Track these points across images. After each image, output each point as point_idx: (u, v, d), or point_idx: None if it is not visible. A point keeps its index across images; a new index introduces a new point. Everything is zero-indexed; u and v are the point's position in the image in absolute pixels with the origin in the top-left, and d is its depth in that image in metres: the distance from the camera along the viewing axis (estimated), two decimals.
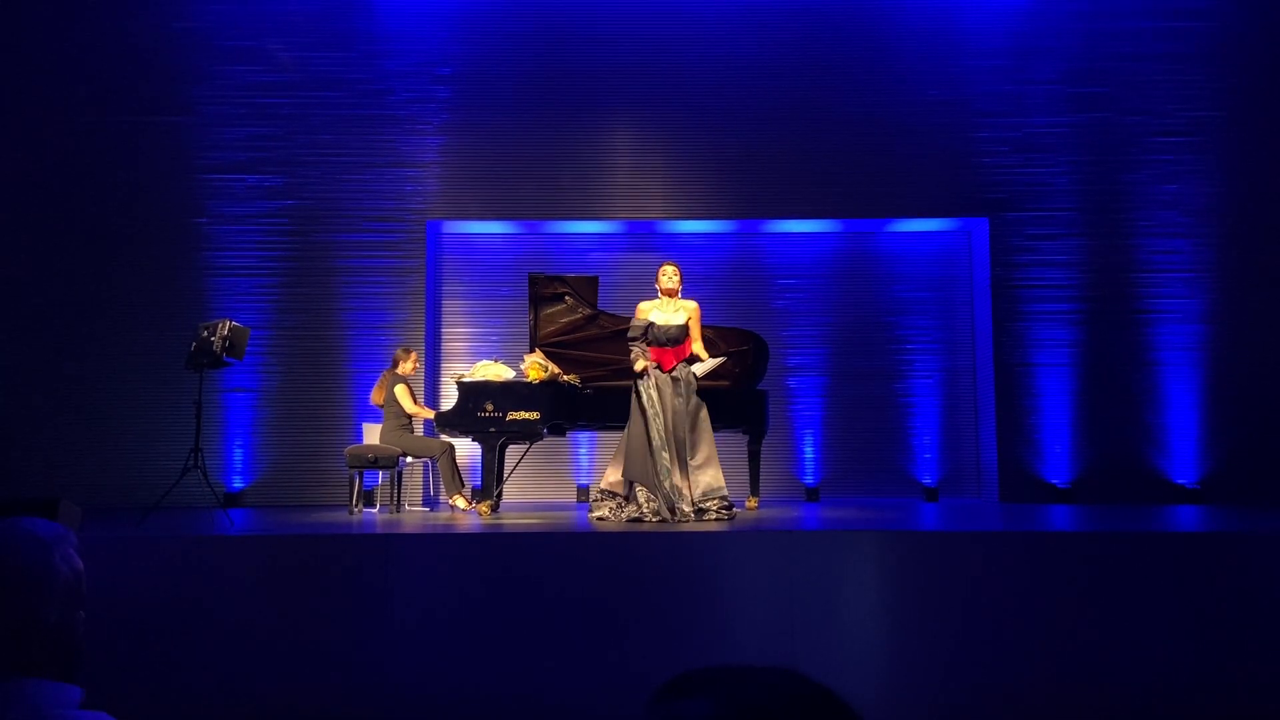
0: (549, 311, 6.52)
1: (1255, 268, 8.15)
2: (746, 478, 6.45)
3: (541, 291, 6.51)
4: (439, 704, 3.89)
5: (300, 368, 8.09)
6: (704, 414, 5.48)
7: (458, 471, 6.57)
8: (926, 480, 8.39)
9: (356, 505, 6.55)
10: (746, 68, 8.43)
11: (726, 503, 5.36)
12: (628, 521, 5.28)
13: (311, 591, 4.02)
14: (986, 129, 8.36)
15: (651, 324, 5.54)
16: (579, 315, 6.53)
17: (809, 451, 8.44)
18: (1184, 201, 8.26)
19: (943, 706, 3.92)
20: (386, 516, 6.26)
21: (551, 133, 8.34)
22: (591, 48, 8.43)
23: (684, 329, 5.55)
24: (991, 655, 3.96)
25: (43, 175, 8.15)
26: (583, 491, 8.13)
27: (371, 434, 6.99)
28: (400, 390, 6.61)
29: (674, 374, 5.48)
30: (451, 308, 8.64)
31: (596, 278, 6.63)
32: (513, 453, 6.59)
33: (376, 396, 6.81)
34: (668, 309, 5.61)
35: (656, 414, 5.37)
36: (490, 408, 6.04)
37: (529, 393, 6.03)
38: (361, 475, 6.62)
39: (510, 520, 5.60)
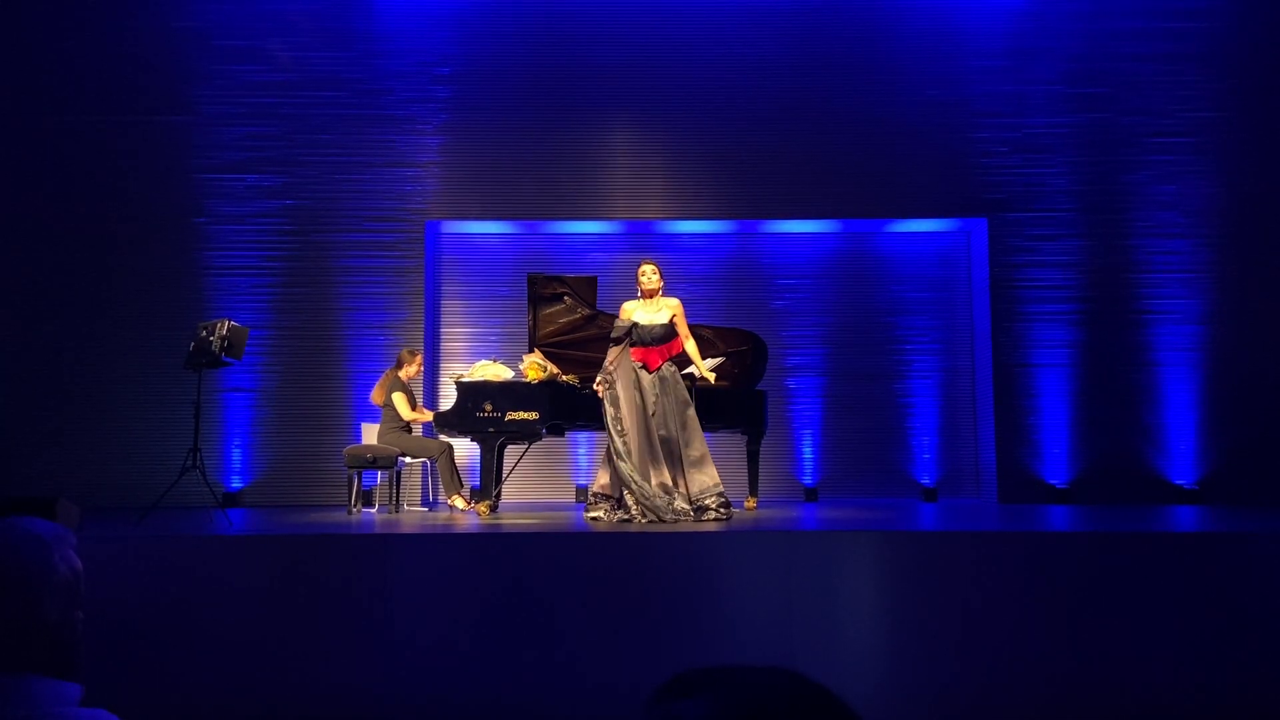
0: (548, 312, 6.52)
1: (1254, 268, 8.16)
2: (745, 478, 6.45)
3: (540, 291, 6.51)
4: (438, 704, 3.89)
5: (299, 368, 8.09)
6: (692, 411, 5.48)
7: (456, 472, 6.57)
8: (925, 480, 8.39)
9: (355, 505, 6.55)
10: (745, 68, 8.43)
11: (724, 499, 5.37)
12: (620, 523, 5.29)
13: (310, 591, 4.02)
14: (986, 129, 8.36)
15: (636, 324, 5.54)
16: (578, 315, 6.53)
17: (808, 452, 8.44)
18: (1183, 202, 8.27)
19: (941, 706, 3.93)
20: (385, 517, 6.26)
21: (551, 133, 8.34)
22: (591, 48, 8.43)
23: (668, 327, 5.55)
24: (990, 655, 3.96)
25: (42, 174, 8.15)
26: (581, 491, 8.13)
27: (370, 434, 6.99)
28: (398, 398, 6.60)
29: (660, 373, 5.48)
30: (450, 308, 8.64)
31: (595, 278, 6.64)
32: (511, 453, 6.60)
33: (377, 396, 6.81)
34: (650, 308, 5.60)
35: (618, 418, 5.41)
36: (489, 408, 6.04)
37: (528, 393, 6.03)
38: (360, 475, 6.62)
39: (509, 520, 5.60)
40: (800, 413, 8.49)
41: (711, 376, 5.70)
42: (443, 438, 6.56)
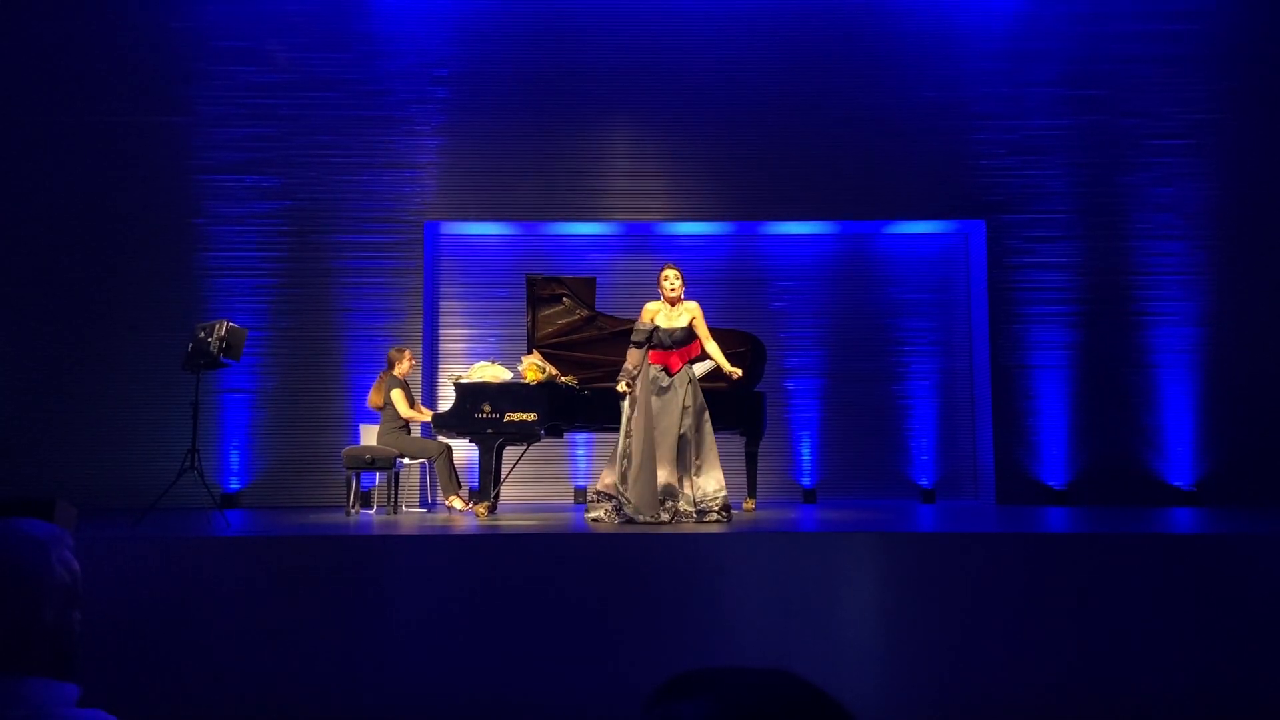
0: (547, 313, 6.52)
1: (1252, 270, 8.17)
2: (743, 479, 6.45)
3: (539, 293, 6.51)
4: (436, 705, 3.88)
5: (298, 369, 8.09)
6: (706, 415, 5.52)
7: (455, 473, 6.57)
8: (923, 482, 8.40)
9: (354, 506, 6.54)
10: (744, 70, 8.43)
11: (727, 505, 5.38)
12: (621, 523, 5.29)
13: (308, 593, 4.02)
14: (984, 131, 8.37)
15: (656, 328, 5.56)
16: (577, 317, 6.53)
17: (806, 453, 8.44)
18: (1181, 204, 8.27)
19: (938, 708, 3.93)
20: (383, 518, 6.26)
21: (549, 134, 8.34)
22: (590, 49, 8.44)
23: (688, 330, 5.57)
24: (988, 657, 3.96)
25: (40, 175, 8.14)
26: (580, 493, 8.12)
27: (369, 435, 6.99)
28: (397, 395, 6.60)
29: (683, 374, 5.50)
30: (449, 309, 8.64)
31: (594, 279, 6.64)
32: (510, 454, 6.59)
33: (374, 398, 6.81)
34: (671, 312, 5.62)
35: (630, 419, 5.44)
36: (488, 409, 6.04)
37: (526, 394, 6.03)
38: (359, 476, 6.61)
39: (507, 521, 5.60)
40: (799, 414, 8.49)
41: (737, 372, 5.71)
42: (441, 439, 6.56)
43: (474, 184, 8.31)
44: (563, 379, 6.10)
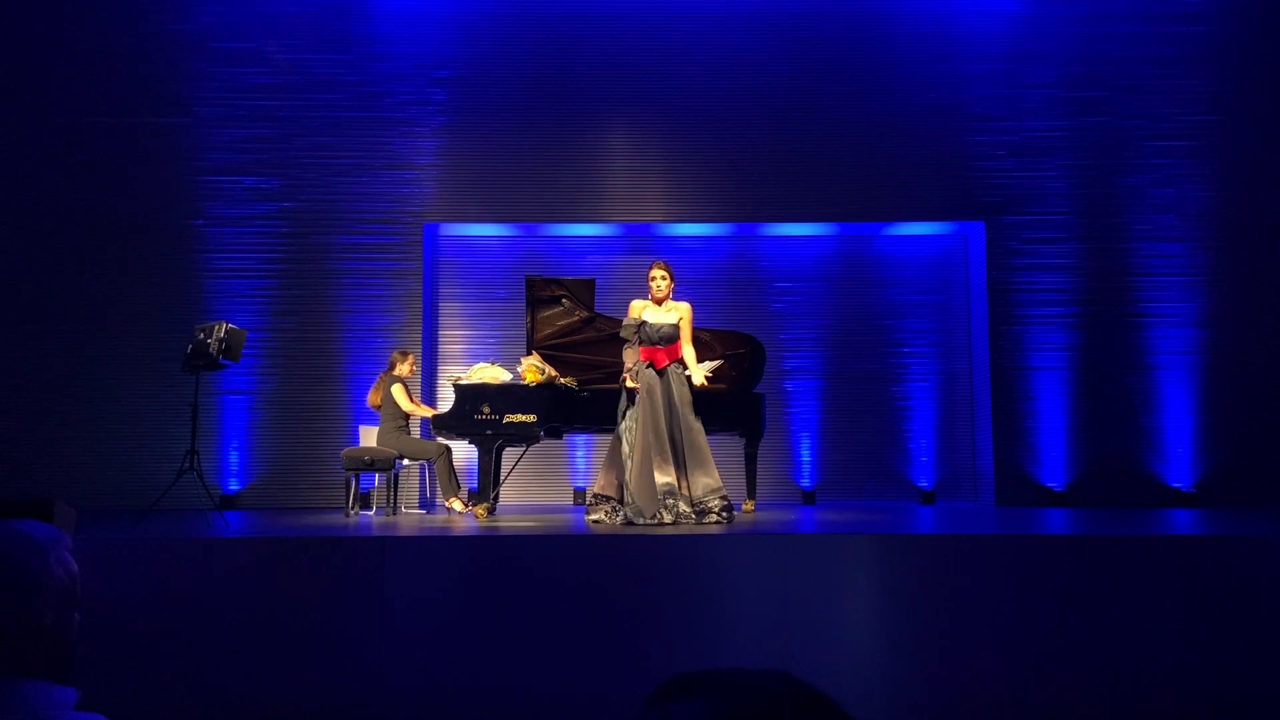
0: (546, 314, 6.52)
1: (1251, 272, 8.17)
2: (743, 481, 6.45)
3: (538, 294, 6.51)
4: (435, 706, 3.88)
5: (297, 370, 8.08)
6: (693, 412, 5.50)
7: (454, 474, 6.57)
8: (923, 483, 8.40)
9: (353, 507, 6.54)
10: (743, 72, 8.44)
11: (727, 501, 5.37)
12: (622, 525, 5.28)
13: (307, 594, 4.02)
14: (983, 133, 8.37)
15: (644, 323, 5.55)
16: (576, 318, 6.53)
17: (805, 454, 8.44)
18: (1180, 205, 8.28)
19: (938, 710, 3.93)
20: (383, 519, 6.26)
21: (549, 135, 8.34)
22: (589, 51, 8.44)
23: (676, 328, 5.56)
24: (987, 659, 3.96)
25: (39, 176, 8.14)
26: (579, 494, 8.12)
27: (368, 436, 6.99)
28: (397, 389, 6.61)
29: (670, 371, 5.49)
30: (448, 310, 8.64)
31: (593, 280, 6.64)
32: (509, 455, 6.59)
33: (373, 399, 6.81)
34: (660, 308, 5.61)
35: (633, 424, 5.42)
36: (487, 410, 6.04)
37: (526, 395, 6.03)
38: (358, 477, 6.61)
39: (507, 523, 5.60)
40: (798, 415, 8.49)
41: (705, 382, 5.67)
42: (441, 440, 6.55)
43: (473, 185, 8.32)
44: (562, 380, 6.10)
